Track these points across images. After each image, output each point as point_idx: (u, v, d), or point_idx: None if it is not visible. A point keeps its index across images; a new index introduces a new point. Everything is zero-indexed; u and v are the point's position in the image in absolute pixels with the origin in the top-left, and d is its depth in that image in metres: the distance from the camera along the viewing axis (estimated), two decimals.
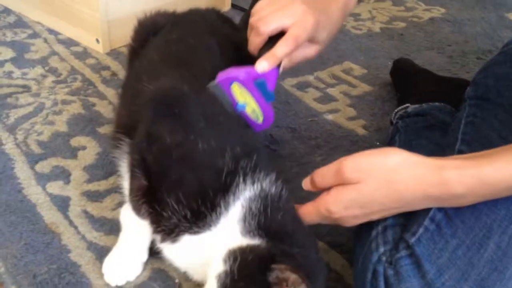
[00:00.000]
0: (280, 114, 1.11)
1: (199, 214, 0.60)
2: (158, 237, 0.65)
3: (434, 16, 1.62)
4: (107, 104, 1.08)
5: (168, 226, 0.62)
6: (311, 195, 0.66)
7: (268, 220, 0.61)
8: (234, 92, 0.72)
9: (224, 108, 0.72)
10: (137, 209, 0.66)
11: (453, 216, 0.60)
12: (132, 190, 0.66)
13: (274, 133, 1.05)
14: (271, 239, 0.60)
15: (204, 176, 0.61)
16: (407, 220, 0.63)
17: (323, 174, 0.62)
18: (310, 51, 0.81)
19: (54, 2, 1.29)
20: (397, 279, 0.58)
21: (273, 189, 0.64)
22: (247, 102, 0.73)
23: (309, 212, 0.62)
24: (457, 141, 0.72)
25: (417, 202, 0.58)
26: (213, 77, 0.73)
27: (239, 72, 0.72)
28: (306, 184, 0.65)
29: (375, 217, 0.61)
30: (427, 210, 0.61)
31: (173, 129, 0.64)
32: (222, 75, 0.72)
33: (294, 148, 1.02)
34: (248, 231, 0.61)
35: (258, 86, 0.72)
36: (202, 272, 0.64)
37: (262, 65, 0.71)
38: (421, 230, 0.60)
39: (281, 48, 0.72)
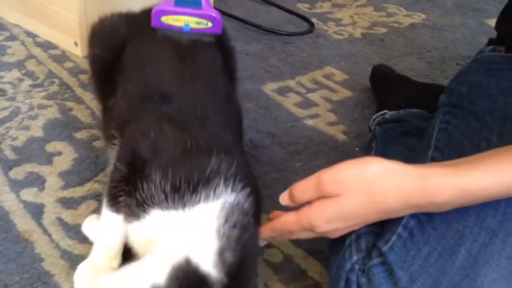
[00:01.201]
0: (260, 119, 1.11)
1: (177, 192, 0.61)
2: (127, 218, 0.65)
3: (414, 22, 1.64)
4: (84, 109, 1.06)
5: (140, 201, 0.62)
6: None
7: (232, 245, 0.60)
8: (169, 23, 0.81)
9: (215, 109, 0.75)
10: (114, 200, 0.66)
11: (425, 223, 0.60)
12: (111, 181, 0.67)
13: (254, 138, 1.05)
14: (227, 276, 0.58)
15: (192, 162, 0.63)
16: (381, 227, 0.63)
17: (302, 188, 0.61)
18: None
19: (32, 3, 1.28)
20: (369, 287, 0.58)
21: (246, 205, 0.63)
22: (185, 21, 0.81)
23: (292, 223, 0.61)
24: (430, 147, 0.72)
25: (398, 211, 0.58)
26: None
27: (158, 6, 0.81)
28: (284, 199, 0.64)
29: (357, 227, 0.61)
30: (401, 218, 0.61)
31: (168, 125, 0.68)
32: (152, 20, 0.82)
33: (273, 154, 1.01)
34: (220, 233, 0.60)
35: (179, 4, 0.81)
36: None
37: None
38: (394, 237, 0.60)
39: None
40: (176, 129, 0.68)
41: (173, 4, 0.82)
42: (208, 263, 0.58)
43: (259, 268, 0.68)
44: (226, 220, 0.61)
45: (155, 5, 0.84)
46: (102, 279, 0.61)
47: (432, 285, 0.56)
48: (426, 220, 0.60)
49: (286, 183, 0.94)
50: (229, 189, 0.63)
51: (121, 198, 0.66)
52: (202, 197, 0.61)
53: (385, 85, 1.13)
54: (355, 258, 0.61)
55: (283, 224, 0.63)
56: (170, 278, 0.56)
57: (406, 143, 0.86)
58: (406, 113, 0.95)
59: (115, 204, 0.67)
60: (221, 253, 0.58)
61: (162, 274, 0.56)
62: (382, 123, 0.96)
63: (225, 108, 0.79)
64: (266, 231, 0.66)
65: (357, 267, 0.60)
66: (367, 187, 0.57)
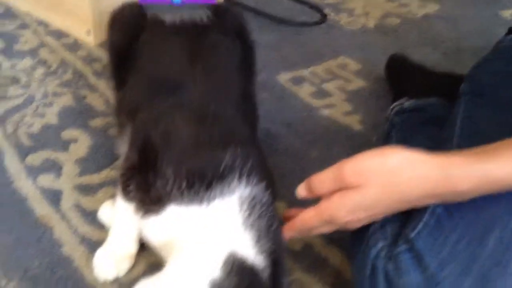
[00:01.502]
0: (275, 108, 1.10)
1: (193, 185, 0.60)
2: (142, 213, 0.64)
3: (428, 12, 1.62)
4: (98, 97, 1.05)
5: (155, 197, 0.61)
6: None
7: (264, 234, 0.60)
8: None
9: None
10: (125, 189, 0.66)
11: (453, 211, 0.59)
12: (123, 169, 0.67)
13: (269, 127, 1.04)
14: (270, 263, 0.58)
15: (206, 157, 0.63)
16: (406, 215, 0.62)
17: (321, 180, 0.60)
18: None
19: None
20: (397, 274, 0.57)
21: (265, 198, 0.63)
22: None
23: (311, 218, 0.61)
24: (454, 136, 0.71)
25: (421, 200, 0.57)
26: None
27: None
28: (301, 191, 0.63)
29: (378, 217, 0.61)
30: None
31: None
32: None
33: (289, 143, 1.00)
34: (248, 225, 0.60)
35: None
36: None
37: None
38: (421, 225, 0.59)
39: None
40: (189, 121, 0.68)
41: None
42: (251, 254, 0.58)
43: None
44: (250, 213, 0.61)
45: None
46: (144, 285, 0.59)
47: (461, 272, 0.55)
48: (454, 208, 0.59)
49: (303, 173, 0.92)
50: (245, 183, 0.62)
51: (131, 187, 0.65)
52: (218, 192, 0.61)
53: (401, 74, 1.12)
54: (380, 245, 0.60)
55: (302, 221, 0.63)
56: (226, 270, 0.55)
57: (427, 132, 0.84)
58: (424, 102, 0.94)
59: (127, 192, 0.67)
60: (258, 243, 0.58)
61: (215, 269, 0.56)
62: (401, 112, 0.95)
63: (240, 102, 0.78)
64: (286, 231, 0.65)
65: (383, 254, 0.59)
66: (390, 177, 0.56)
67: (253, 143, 0.74)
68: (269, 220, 0.61)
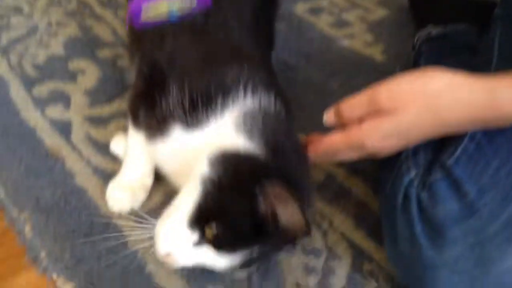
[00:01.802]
0: (293, 40, 1.04)
1: (196, 106, 0.58)
2: (151, 139, 0.63)
3: None
4: (105, 27, 1.00)
5: (161, 118, 0.60)
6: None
7: (267, 132, 0.58)
8: (155, 9, 0.69)
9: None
10: (135, 117, 0.65)
11: (494, 136, 0.55)
12: (132, 96, 0.67)
13: (288, 59, 0.98)
14: (269, 150, 0.56)
15: (209, 71, 0.61)
16: (441, 141, 0.58)
17: (353, 104, 0.55)
18: None
19: None
20: (432, 202, 0.54)
21: (272, 108, 0.61)
22: (170, 3, 0.69)
23: (339, 142, 0.56)
24: (492, 60, 0.66)
25: (461, 126, 0.52)
26: None
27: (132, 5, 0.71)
28: (329, 117, 0.59)
29: (411, 145, 0.56)
30: None
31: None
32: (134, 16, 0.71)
33: (308, 75, 0.95)
34: (244, 130, 0.57)
35: None
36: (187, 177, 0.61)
37: None
38: (459, 150, 0.55)
39: None
40: (195, 41, 0.65)
41: None
42: (245, 142, 0.57)
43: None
44: (253, 122, 0.59)
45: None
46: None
47: (502, 199, 0.52)
48: (494, 133, 0.54)
49: (324, 105, 0.87)
50: (249, 94, 0.60)
51: (141, 114, 0.63)
52: (220, 106, 0.59)
53: (426, 1, 1.05)
54: (413, 173, 0.57)
55: (328, 144, 0.58)
56: (213, 163, 0.55)
57: (458, 59, 0.79)
58: (453, 29, 0.88)
59: (137, 121, 0.64)
60: (259, 140, 0.57)
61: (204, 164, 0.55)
62: (428, 40, 0.89)
63: (254, 25, 0.73)
64: (309, 154, 0.61)
65: (416, 182, 0.56)
66: (430, 101, 0.51)
67: (263, 64, 0.70)
68: (275, 122, 0.61)
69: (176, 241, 0.53)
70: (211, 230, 0.52)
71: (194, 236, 0.53)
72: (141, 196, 0.68)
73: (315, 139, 0.62)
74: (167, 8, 0.69)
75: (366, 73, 0.96)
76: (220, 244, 0.53)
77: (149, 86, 0.63)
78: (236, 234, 0.52)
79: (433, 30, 0.92)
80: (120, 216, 0.66)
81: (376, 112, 0.53)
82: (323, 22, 1.10)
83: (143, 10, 0.70)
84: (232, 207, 0.53)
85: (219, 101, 0.58)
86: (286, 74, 0.94)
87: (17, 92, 0.82)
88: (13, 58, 0.89)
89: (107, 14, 1.03)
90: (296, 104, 0.88)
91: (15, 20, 0.98)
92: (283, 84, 0.91)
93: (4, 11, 1.00)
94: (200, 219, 0.53)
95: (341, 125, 0.58)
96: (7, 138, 0.74)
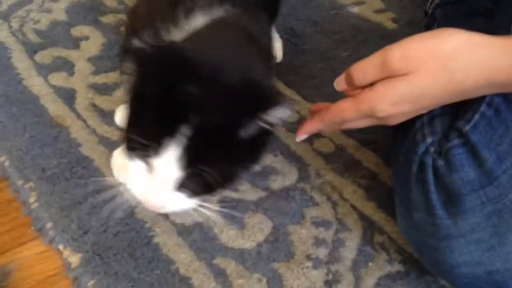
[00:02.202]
0: (300, 6, 1.01)
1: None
2: None
3: None
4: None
5: None
6: (338, 92, 0.58)
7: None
8: None
9: None
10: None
11: None
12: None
13: (295, 26, 0.95)
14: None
15: None
16: (457, 108, 0.56)
17: (364, 67, 0.52)
18: None
19: None
20: (448, 170, 0.52)
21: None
22: None
23: (348, 109, 0.54)
24: (510, 24, 0.63)
25: (478, 90, 0.50)
26: None
27: None
28: (340, 83, 0.56)
29: (425, 111, 0.54)
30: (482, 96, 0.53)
31: None
32: None
33: (317, 43, 0.93)
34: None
35: None
36: None
37: None
38: (477, 116, 0.53)
39: None
40: None
41: None
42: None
43: None
44: None
45: None
46: None
47: None
48: None
49: (333, 73, 0.86)
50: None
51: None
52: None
53: None
54: (429, 140, 0.55)
55: (336, 111, 0.55)
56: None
57: (473, 23, 0.76)
58: None
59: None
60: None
61: None
62: (442, 4, 0.85)
63: None
64: (316, 121, 0.59)
65: (432, 149, 0.54)
66: (445, 62, 0.49)
67: None
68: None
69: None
70: None
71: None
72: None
73: (322, 107, 0.60)
74: None
75: (376, 41, 0.93)
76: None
77: None
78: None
79: None
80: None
81: (388, 75, 0.50)
82: None
83: None
84: None
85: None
86: (293, 42, 0.92)
87: (19, 59, 0.80)
88: (15, 24, 0.86)
89: None
90: (304, 72, 0.86)
91: None
92: (290, 51, 0.89)
93: None
94: None
95: (352, 91, 0.55)
96: (10, 106, 0.72)
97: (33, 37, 0.84)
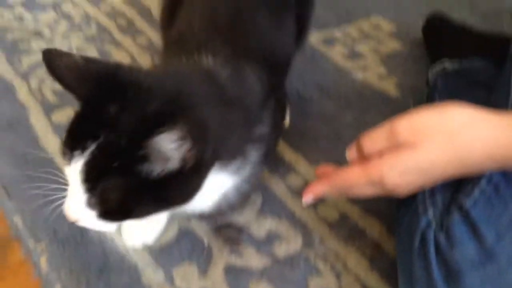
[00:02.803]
0: (306, 70, 1.05)
1: None
2: None
3: None
4: (124, 54, 1.01)
5: None
6: (343, 156, 0.60)
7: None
8: None
9: None
10: None
11: None
12: None
13: (301, 90, 0.99)
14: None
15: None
16: (459, 182, 0.58)
17: (373, 137, 0.55)
18: None
19: None
20: (449, 245, 0.54)
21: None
22: None
23: (357, 175, 0.56)
24: (509, 96, 0.66)
25: (481, 165, 0.52)
26: None
27: None
28: (351, 152, 0.58)
29: (431, 184, 0.56)
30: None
31: None
32: None
33: (323, 107, 0.96)
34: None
35: None
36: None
37: None
38: (476, 192, 0.55)
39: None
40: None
41: None
42: None
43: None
44: None
45: None
46: None
47: None
48: None
49: (337, 138, 0.89)
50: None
51: None
52: None
53: (442, 34, 1.06)
54: (431, 214, 0.56)
55: (345, 177, 0.57)
56: None
57: (475, 95, 0.79)
58: (469, 63, 0.89)
59: None
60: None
61: None
62: (443, 74, 0.89)
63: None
64: (323, 185, 0.61)
65: (433, 223, 0.56)
66: (450, 136, 0.51)
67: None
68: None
69: None
70: None
71: None
72: (155, 231, 0.69)
73: (330, 171, 0.62)
74: None
75: (380, 107, 0.97)
76: None
77: None
78: None
79: (448, 64, 0.92)
80: (135, 251, 0.66)
81: (396, 146, 0.53)
82: (337, 54, 1.11)
83: None
84: None
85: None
86: (300, 105, 0.95)
87: (36, 118, 0.83)
88: (33, 83, 0.90)
89: (126, 40, 1.05)
90: (310, 136, 0.89)
91: (35, 44, 1.00)
92: (296, 114, 0.92)
93: (25, 35, 1.02)
94: None
95: (361, 159, 0.58)
96: (25, 166, 0.75)
97: (51, 97, 0.88)
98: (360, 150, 0.57)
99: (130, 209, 0.49)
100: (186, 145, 0.45)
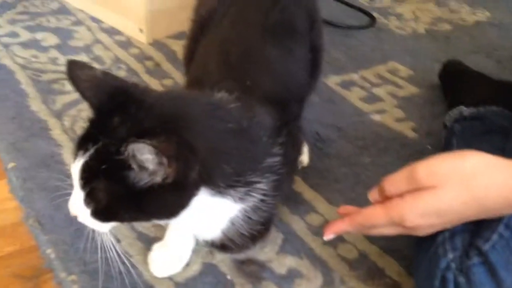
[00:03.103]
0: (325, 112, 1.09)
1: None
2: None
3: (479, 19, 1.58)
4: None
5: None
6: (361, 196, 0.62)
7: None
8: None
9: None
10: None
11: None
12: None
13: (320, 131, 1.03)
14: None
15: None
16: (477, 225, 0.60)
17: (394, 180, 0.58)
18: None
19: None
20: (469, 287, 0.55)
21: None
22: None
23: (378, 214, 0.59)
24: None
25: (498, 209, 0.55)
26: None
27: None
28: (373, 194, 0.62)
29: (450, 226, 0.58)
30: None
31: None
32: None
33: (341, 148, 0.99)
34: None
35: None
36: None
37: None
38: (495, 236, 0.57)
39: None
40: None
41: None
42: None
43: None
44: None
45: None
46: None
47: None
48: None
49: (356, 178, 0.92)
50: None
51: None
52: None
53: (459, 81, 1.09)
54: (450, 256, 0.58)
55: (367, 215, 0.60)
56: None
57: (491, 141, 0.82)
58: (486, 110, 0.92)
59: None
60: None
61: None
62: (460, 120, 0.92)
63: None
64: (344, 223, 0.63)
65: (453, 265, 0.58)
66: (467, 180, 0.54)
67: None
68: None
69: None
70: None
71: None
72: (182, 262, 0.71)
73: (352, 211, 0.64)
74: None
75: (397, 149, 1.00)
76: None
77: None
78: None
79: (465, 110, 0.95)
80: (160, 282, 0.69)
81: (416, 187, 0.56)
82: (355, 96, 1.15)
83: None
84: None
85: None
86: (319, 146, 0.98)
87: (69, 155, 0.88)
88: (67, 122, 0.95)
89: (153, 82, 1.10)
90: (329, 176, 0.92)
91: (68, 85, 1.05)
92: (315, 155, 0.95)
93: (59, 76, 1.08)
94: None
95: (383, 200, 0.60)
96: (58, 200, 0.78)
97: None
98: (381, 192, 0.60)
99: (116, 211, 0.55)
100: (163, 160, 0.49)
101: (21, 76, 1.07)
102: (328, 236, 0.65)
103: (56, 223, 0.75)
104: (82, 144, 0.54)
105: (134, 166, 0.50)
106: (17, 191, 0.81)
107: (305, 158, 0.94)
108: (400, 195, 0.57)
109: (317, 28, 0.85)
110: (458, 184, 0.54)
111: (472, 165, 0.54)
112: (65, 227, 0.74)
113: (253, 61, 0.71)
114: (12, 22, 1.27)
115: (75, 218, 0.75)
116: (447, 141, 0.90)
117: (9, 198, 0.80)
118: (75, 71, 0.54)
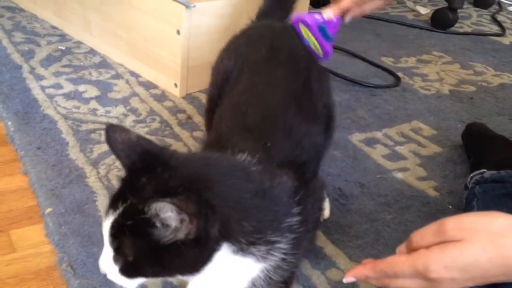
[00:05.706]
0: (348, 168, 1.12)
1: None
2: None
3: (504, 82, 1.61)
4: (182, 146, 1.12)
5: None
6: (382, 254, 0.63)
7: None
8: (301, 31, 0.94)
9: None
10: None
11: None
12: None
13: (343, 187, 1.05)
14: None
15: None
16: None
17: (422, 232, 0.60)
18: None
19: (138, 46, 1.38)
20: None
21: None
22: (311, 40, 0.94)
23: (402, 262, 0.59)
24: None
25: None
26: None
27: (307, 16, 0.94)
28: (401, 249, 0.63)
29: (472, 284, 0.59)
30: None
31: None
32: (293, 18, 0.96)
33: (363, 204, 1.01)
34: None
35: (320, 29, 0.93)
36: None
37: (327, 13, 0.93)
38: None
39: (345, 2, 0.91)
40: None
41: (316, 25, 0.93)
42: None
43: None
44: None
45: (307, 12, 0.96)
46: None
47: None
48: None
49: (377, 234, 0.93)
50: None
51: None
52: None
53: (481, 144, 1.11)
54: None
55: (390, 262, 0.60)
56: None
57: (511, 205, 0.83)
58: (507, 174, 0.93)
59: None
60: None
61: None
62: (482, 182, 0.94)
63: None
64: (367, 268, 0.63)
65: None
66: (494, 237, 0.55)
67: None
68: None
69: None
70: None
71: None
72: None
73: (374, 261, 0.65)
74: (307, 37, 0.94)
75: (418, 207, 1.01)
76: None
77: None
78: None
79: (487, 172, 0.97)
80: None
81: (443, 240, 0.57)
82: (378, 153, 1.18)
83: (302, 23, 0.94)
84: None
85: None
86: (341, 202, 1.01)
87: (102, 202, 0.93)
88: (102, 170, 1.01)
89: (184, 134, 1.16)
90: (350, 232, 0.94)
91: None
92: (338, 210, 0.98)
93: (98, 126, 1.15)
94: None
95: (409, 253, 0.61)
96: (91, 246, 0.83)
97: (116, 183, 0.98)
98: (409, 246, 0.62)
99: (141, 267, 0.58)
100: (184, 217, 0.53)
101: (63, 126, 1.14)
102: (348, 279, 0.65)
103: (88, 268, 0.79)
104: (113, 202, 0.58)
105: (158, 223, 0.54)
106: (53, 236, 0.85)
107: (326, 212, 0.96)
108: (427, 247, 0.59)
109: (327, 86, 0.94)
110: (485, 240, 0.55)
111: (499, 224, 0.56)
112: (96, 273, 0.78)
113: (274, 123, 0.76)
114: (57, 74, 1.37)
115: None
116: (468, 202, 0.91)
117: (45, 242, 0.85)
118: (112, 134, 0.60)
